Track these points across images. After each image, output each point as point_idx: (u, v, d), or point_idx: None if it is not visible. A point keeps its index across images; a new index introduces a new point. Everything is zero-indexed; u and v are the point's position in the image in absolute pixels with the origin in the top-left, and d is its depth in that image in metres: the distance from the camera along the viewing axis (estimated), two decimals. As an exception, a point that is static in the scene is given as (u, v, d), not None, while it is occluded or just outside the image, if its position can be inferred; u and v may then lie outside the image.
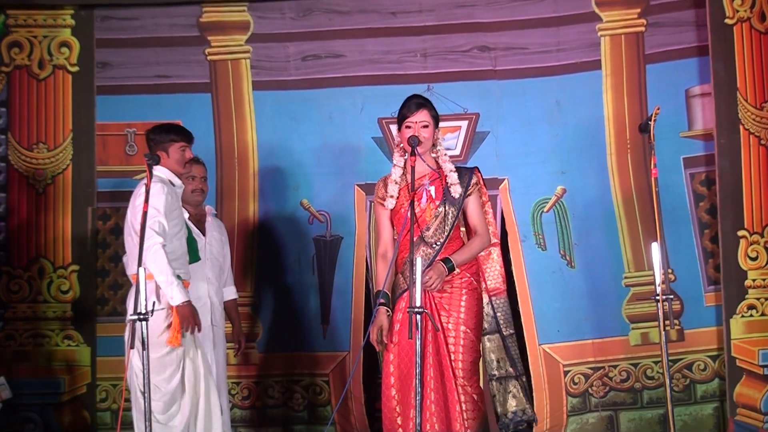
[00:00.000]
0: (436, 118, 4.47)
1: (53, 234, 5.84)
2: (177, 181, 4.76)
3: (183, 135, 4.79)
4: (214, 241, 5.26)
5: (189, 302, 4.45)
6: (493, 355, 4.60)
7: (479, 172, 4.57)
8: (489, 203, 4.67)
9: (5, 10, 5.94)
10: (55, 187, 5.87)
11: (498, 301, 4.62)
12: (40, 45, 5.95)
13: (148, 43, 6.01)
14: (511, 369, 4.56)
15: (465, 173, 4.51)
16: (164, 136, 4.75)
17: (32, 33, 5.96)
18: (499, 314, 4.59)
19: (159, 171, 4.67)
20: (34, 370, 5.74)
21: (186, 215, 5.17)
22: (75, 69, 5.95)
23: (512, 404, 4.55)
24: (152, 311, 4.16)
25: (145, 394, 4.08)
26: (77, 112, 5.92)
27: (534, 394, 5.64)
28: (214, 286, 5.18)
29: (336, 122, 5.93)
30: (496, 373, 4.58)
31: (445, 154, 4.52)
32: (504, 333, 4.60)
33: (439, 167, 4.48)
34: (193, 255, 5.10)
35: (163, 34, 6.01)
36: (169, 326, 4.44)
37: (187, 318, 4.44)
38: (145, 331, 4.05)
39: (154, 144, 4.74)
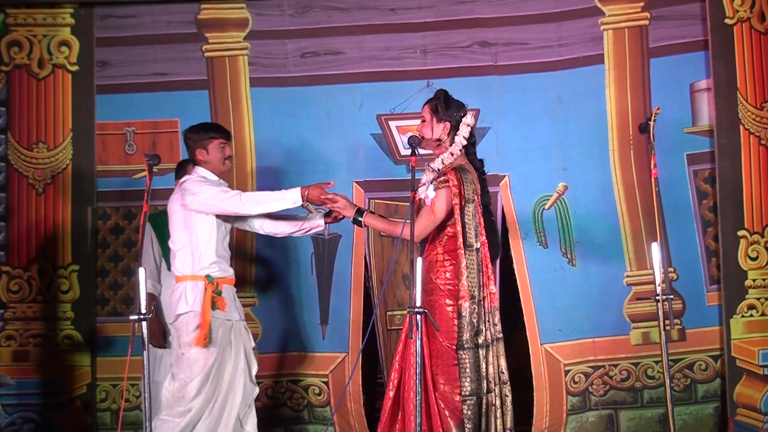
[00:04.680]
0: (437, 112, 4.39)
1: (53, 234, 5.83)
2: (214, 179, 4.66)
3: (221, 132, 4.71)
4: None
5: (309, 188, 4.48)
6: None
7: (457, 172, 4.31)
8: (458, 213, 4.29)
9: (5, 9, 5.92)
10: (55, 187, 5.86)
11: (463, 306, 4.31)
12: (39, 44, 5.93)
13: (146, 40, 5.97)
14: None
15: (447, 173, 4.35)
16: (203, 134, 4.66)
17: (32, 32, 5.94)
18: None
19: (198, 171, 4.64)
20: (34, 370, 5.76)
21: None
22: (75, 68, 5.93)
23: None
24: (152, 312, 4.21)
25: (145, 394, 4.07)
26: (77, 112, 5.90)
27: (534, 393, 5.64)
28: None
29: (334, 119, 5.89)
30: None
31: (450, 154, 4.40)
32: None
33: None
34: None
35: (161, 31, 5.98)
36: (197, 327, 4.39)
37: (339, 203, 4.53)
38: (145, 331, 4.07)
39: (193, 143, 4.65)
